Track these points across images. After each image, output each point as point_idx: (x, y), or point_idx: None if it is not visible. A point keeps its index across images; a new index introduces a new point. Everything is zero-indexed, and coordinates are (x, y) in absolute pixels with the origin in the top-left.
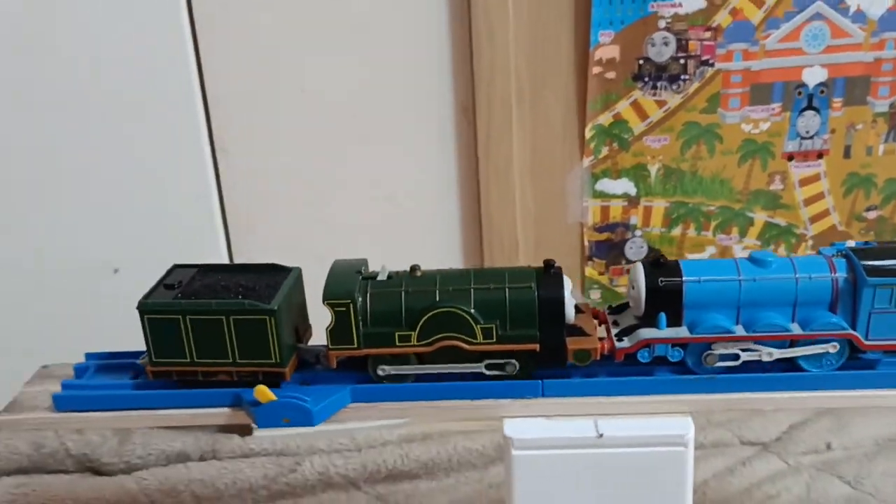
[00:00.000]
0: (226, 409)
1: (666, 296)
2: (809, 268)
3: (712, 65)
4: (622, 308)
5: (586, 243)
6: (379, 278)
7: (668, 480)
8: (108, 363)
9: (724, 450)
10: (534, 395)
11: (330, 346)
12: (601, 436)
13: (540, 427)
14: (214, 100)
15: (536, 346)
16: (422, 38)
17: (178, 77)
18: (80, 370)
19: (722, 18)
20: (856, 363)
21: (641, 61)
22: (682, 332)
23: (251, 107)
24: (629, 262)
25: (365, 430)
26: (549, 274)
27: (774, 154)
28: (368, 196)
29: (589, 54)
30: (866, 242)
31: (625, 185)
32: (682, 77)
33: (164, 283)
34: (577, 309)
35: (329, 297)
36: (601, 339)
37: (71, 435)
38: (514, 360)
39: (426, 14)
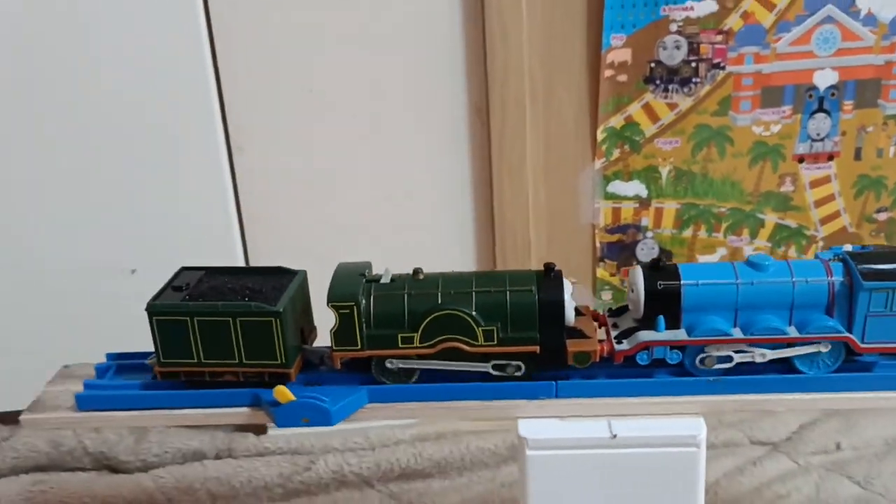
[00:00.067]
0: (243, 409)
1: (664, 299)
2: (806, 271)
3: (723, 68)
4: (622, 311)
5: (598, 244)
6: (382, 281)
7: (680, 480)
8: (129, 363)
9: (734, 450)
10: (548, 396)
11: (334, 348)
12: (615, 436)
13: (554, 427)
14: (230, 99)
15: (537, 348)
16: (436, 39)
17: (195, 77)
18: (101, 370)
19: (733, 22)
20: (853, 365)
21: (653, 64)
22: (680, 334)
23: (267, 106)
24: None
25: (378, 429)
26: (550, 277)
27: (785, 156)
28: (383, 196)
29: (601, 57)
30: (863, 247)
31: (636, 187)
32: (694, 80)
33: (172, 286)
34: (577, 311)
35: (333, 299)
36: (601, 341)
37: (88, 433)
38: (520, 362)
39: (440, 15)
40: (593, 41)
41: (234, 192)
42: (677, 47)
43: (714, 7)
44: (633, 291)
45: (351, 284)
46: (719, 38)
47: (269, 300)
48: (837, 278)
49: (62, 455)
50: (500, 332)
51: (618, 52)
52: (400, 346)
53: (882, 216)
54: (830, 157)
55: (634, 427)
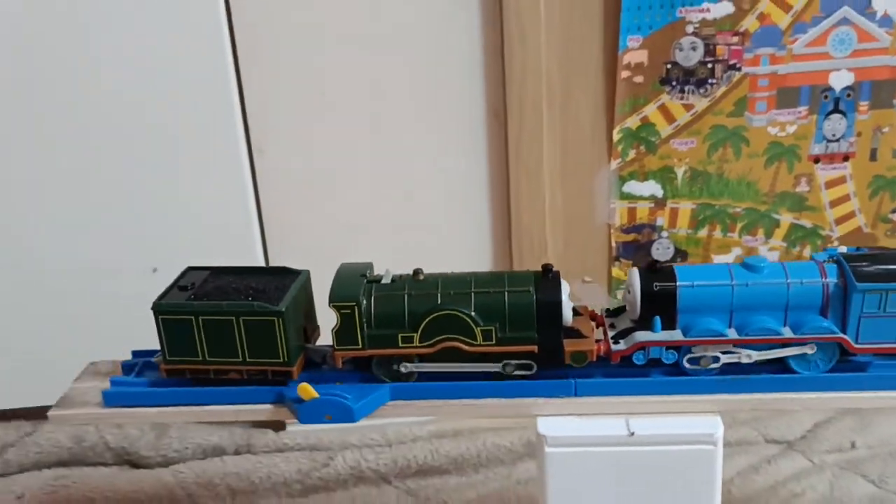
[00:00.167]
0: (266, 406)
1: (660, 300)
2: (801, 273)
3: (739, 69)
4: (619, 311)
5: (614, 244)
6: (383, 282)
7: (697, 478)
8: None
9: (749, 448)
10: (567, 394)
11: (335, 347)
12: (632, 434)
13: (572, 425)
14: (251, 101)
15: (534, 348)
16: (454, 41)
17: (216, 79)
18: (127, 367)
19: (749, 23)
20: (847, 365)
21: (669, 66)
22: (676, 335)
23: (288, 108)
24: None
25: (396, 425)
26: (548, 278)
27: (801, 157)
28: (402, 197)
29: (618, 58)
30: (857, 248)
31: (652, 188)
32: (710, 81)
33: (178, 285)
34: (575, 311)
35: (334, 299)
36: (598, 341)
37: (110, 429)
38: (525, 361)
39: (459, 18)
40: (610, 43)
41: (254, 194)
42: (693, 49)
43: (730, 9)
44: (629, 292)
45: (352, 285)
46: (735, 39)
47: (271, 300)
48: (832, 280)
49: (84, 450)
50: (498, 332)
51: (634, 53)
52: (400, 345)
53: None
54: (846, 158)
55: (652, 425)
